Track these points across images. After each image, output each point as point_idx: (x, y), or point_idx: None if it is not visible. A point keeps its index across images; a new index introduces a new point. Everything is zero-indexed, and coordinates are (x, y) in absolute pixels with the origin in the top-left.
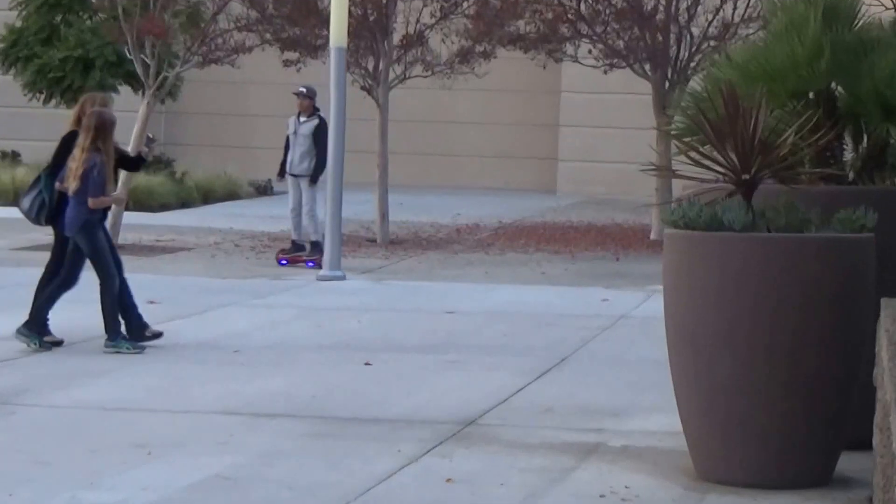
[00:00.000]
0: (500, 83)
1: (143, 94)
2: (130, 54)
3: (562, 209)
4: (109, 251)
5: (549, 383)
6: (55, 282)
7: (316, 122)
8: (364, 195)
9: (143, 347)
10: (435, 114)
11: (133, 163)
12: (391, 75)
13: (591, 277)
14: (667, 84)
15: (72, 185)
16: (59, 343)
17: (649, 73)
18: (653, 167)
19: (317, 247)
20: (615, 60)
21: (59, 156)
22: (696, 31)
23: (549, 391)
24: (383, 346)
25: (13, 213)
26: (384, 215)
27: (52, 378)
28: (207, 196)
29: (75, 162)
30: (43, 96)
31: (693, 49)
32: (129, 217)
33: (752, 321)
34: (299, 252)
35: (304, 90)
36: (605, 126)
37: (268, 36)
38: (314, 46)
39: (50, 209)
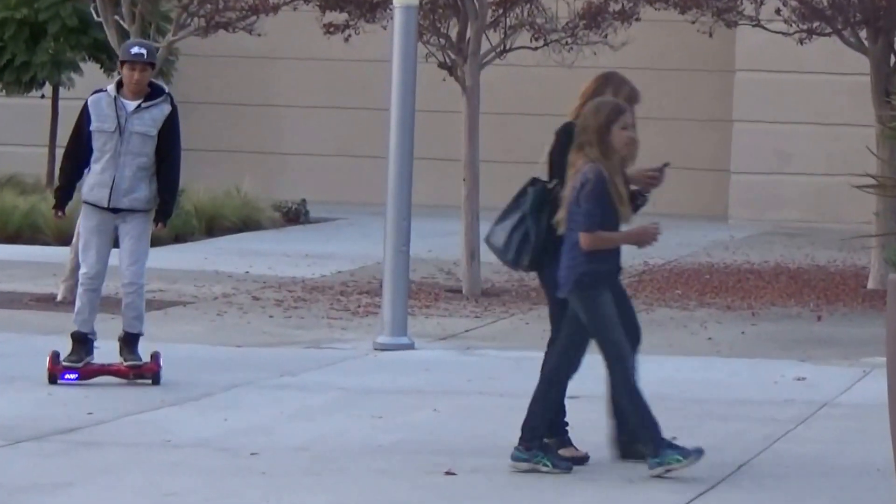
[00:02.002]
0: (644, 58)
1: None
2: (99, 16)
3: (736, 244)
4: (620, 320)
5: (719, 502)
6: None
7: (166, 109)
8: (444, 224)
9: (570, 467)
10: (549, 104)
11: (634, 200)
12: (484, 46)
13: (781, 345)
14: (893, 59)
15: (560, 216)
16: (582, 459)
17: (866, 42)
18: (872, 182)
19: (134, 344)
20: (815, 24)
21: (556, 163)
22: None
23: None
24: (472, 448)
25: None
26: (473, 253)
27: None
28: (213, 225)
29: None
30: None
31: None
32: None
33: None
34: (91, 356)
35: (144, 52)
36: (800, 122)
37: None
38: (370, 4)
39: (536, 247)
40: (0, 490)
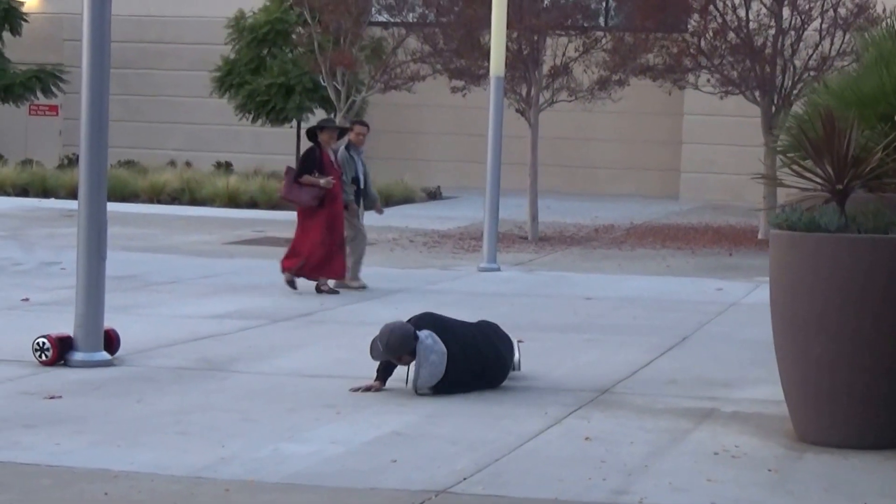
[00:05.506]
0: (632, 106)
1: (336, 115)
2: (324, 81)
3: (683, 213)
4: None
5: (672, 359)
6: None
7: None
8: (518, 200)
9: None
10: (577, 132)
11: None
12: (541, 100)
13: (708, 270)
14: (773, 108)
15: None
16: None
17: (758, 98)
18: (761, 178)
19: None
20: (730, 88)
21: None
22: (798, 63)
23: (671, 365)
24: (532, 326)
25: (223, 213)
26: (534, 217)
27: (259, 350)
28: (388, 200)
29: None
30: (251, 116)
31: (796, 78)
32: None
33: (841, 309)
34: None
35: None
36: (720, 143)
37: (438, 66)
38: (477, 76)
39: None
40: (266, 348)
